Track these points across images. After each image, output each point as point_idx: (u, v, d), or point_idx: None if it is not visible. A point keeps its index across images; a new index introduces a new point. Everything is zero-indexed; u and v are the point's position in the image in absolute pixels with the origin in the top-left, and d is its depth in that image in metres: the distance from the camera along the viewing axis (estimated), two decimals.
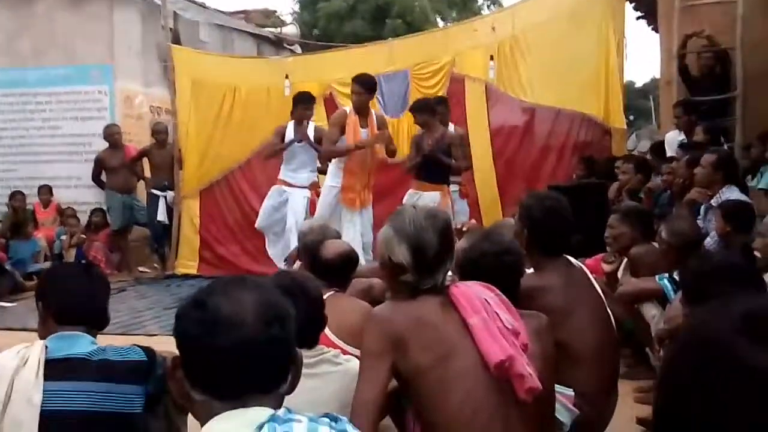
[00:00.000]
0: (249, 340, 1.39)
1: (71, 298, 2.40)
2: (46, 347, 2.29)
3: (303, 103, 7.89)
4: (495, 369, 2.25)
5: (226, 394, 1.41)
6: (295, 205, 7.80)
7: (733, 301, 0.79)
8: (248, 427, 1.35)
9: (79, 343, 2.31)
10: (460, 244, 2.97)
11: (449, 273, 2.73)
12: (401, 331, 2.29)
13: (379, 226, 7.26)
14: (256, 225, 8.20)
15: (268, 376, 1.44)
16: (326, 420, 1.41)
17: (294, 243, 7.52)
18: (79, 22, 10.58)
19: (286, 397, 1.51)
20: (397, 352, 2.28)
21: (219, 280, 1.52)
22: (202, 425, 1.42)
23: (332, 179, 7.37)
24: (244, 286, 1.48)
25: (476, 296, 2.38)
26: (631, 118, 28.99)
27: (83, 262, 3.75)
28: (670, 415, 0.79)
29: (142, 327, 6.65)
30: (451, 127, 7.89)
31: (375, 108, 8.94)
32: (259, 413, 1.38)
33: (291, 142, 7.84)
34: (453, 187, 7.78)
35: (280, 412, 1.39)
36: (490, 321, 2.32)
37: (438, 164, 7.31)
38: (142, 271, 9.96)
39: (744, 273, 2.57)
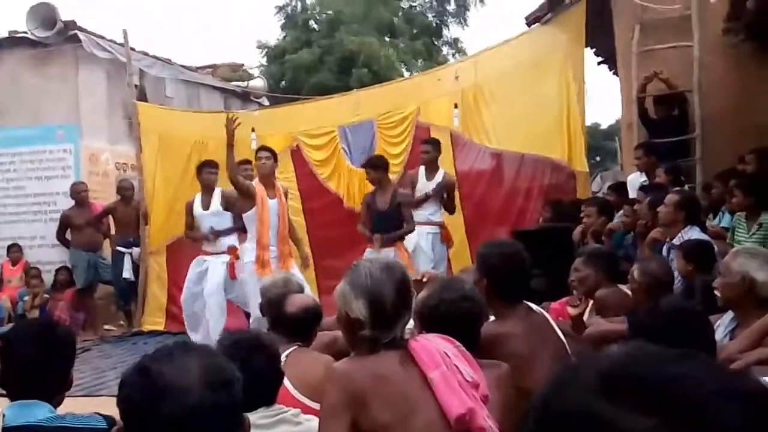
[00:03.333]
0: (194, 406, 1.36)
1: (20, 370, 2.36)
2: (4, 415, 2.27)
3: (206, 167, 8.06)
4: (456, 423, 2.25)
5: None
6: (213, 274, 7.86)
7: (583, 364, 0.73)
8: None
9: (38, 411, 2.28)
10: (421, 294, 2.96)
11: (410, 324, 2.72)
12: (361, 387, 2.28)
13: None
14: (181, 299, 8.20)
15: None
16: None
17: (213, 307, 7.71)
18: (44, 83, 10.58)
19: None
20: (356, 408, 2.26)
21: (163, 347, 1.51)
22: None
23: (248, 256, 7.38)
24: (189, 351, 1.47)
25: (436, 349, 2.38)
26: (597, 159, 29.44)
27: (45, 322, 3.66)
28: None
29: (106, 387, 6.47)
30: (441, 171, 8.00)
31: (341, 159, 9.07)
32: None
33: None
34: (434, 229, 7.84)
35: None
36: (449, 374, 2.32)
37: (390, 221, 7.50)
38: (108, 329, 9.83)
39: (688, 318, 2.58)
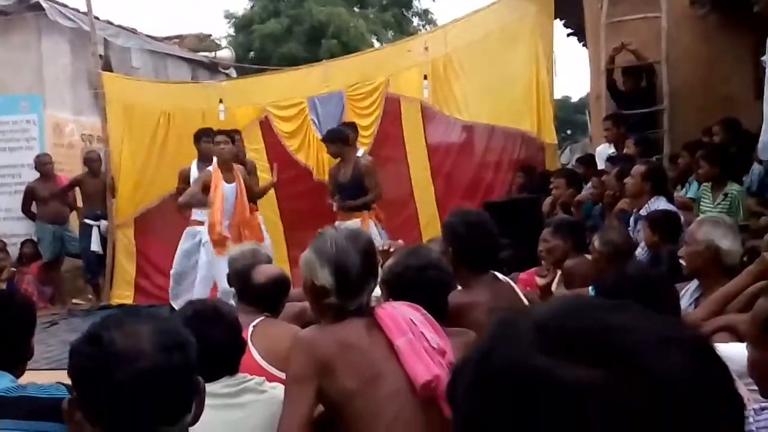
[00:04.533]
0: (149, 370, 1.36)
1: None
2: None
3: (206, 136, 7.84)
4: (422, 390, 2.26)
5: (131, 429, 1.38)
6: (209, 245, 7.55)
7: (520, 317, 0.72)
8: None
9: None
10: (387, 262, 2.96)
11: (377, 293, 2.72)
12: (327, 354, 2.28)
13: None
14: (171, 271, 7.98)
15: (171, 407, 1.40)
16: None
17: (200, 279, 7.53)
18: (6, 52, 10.37)
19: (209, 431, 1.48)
20: (323, 376, 2.27)
21: (112, 314, 1.51)
22: None
23: (207, 236, 7.36)
24: (140, 317, 1.47)
25: (402, 317, 2.39)
26: (569, 132, 29.58)
27: (3, 294, 3.61)
28: None
29: None
30: (360, 151, 7.99)
31: (310, 131, 9.02)
32: None
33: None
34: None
35: None
36: (416, 341, 2.33)
37: (353, 191, 7.49)
38: (75, 303, 9.73)
39: (655, 283, 2.60)
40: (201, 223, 7.68)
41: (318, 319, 2.58)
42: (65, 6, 10.46)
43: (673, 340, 0.66)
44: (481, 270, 3.22)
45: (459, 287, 3.17)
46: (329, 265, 2.36)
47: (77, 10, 10.29)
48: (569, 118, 30.01)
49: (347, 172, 7.60)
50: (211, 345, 2.32)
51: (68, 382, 2.34)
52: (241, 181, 7.34)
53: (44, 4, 10.08)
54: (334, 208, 7.69)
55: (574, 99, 33.75)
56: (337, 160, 7.86)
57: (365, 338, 2.33)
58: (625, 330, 0.66)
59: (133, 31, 11.83)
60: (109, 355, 1.37)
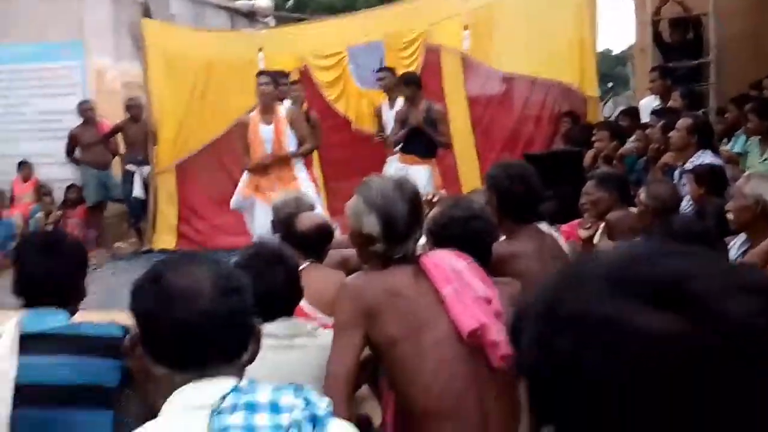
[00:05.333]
0: (207, 310, 1.41)
1: (30, 278, 2.35)
2: (21, 322, 2.26)
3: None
4: (468, 338, 2.26)
5: (189, 366, 1.43)
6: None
7: (587, 265, 0.70)
8: (212, 397, 1.36)
9: (54, 319, 2.29)
10: (431, 212, 2.96)
11: (422, 241, 2.73)
12: (373, 301, 2.30)
13: None
14: (231, 205, 7.96)
15: (228, 346, 1.46)
16: (290, 389, 1.41)
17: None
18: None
19: (264, 372, 1.54)
20: (369, 322, 2.29)
21: (171, 258, 1.56)
22: (161, 404, 1.42)
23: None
24: (197, 260, 1.52)
25: (448, 265, 2.39)
26: (610, 85, 29.06)
27: (53, 233, 3.67)
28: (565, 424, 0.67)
29: (119, 303, 6.50)
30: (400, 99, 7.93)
31: (349, 81, 8.96)
32: (222, 384, 1.40)
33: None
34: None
35: (243, 383, 1.41)
36: (462, 290, 2.33)
37: (426, 137, 7.40)
38: (119, 247, 9.89)
39: (703, 237, 2.58)
40: None
41: (363, 266, 2.60)
42: None
43: (746, 285, 0.65)
44: (524, 221, 3.22)
45: (503, 237, 3.17)
46: (376, 213, 2.36)
47: None
48: (610, 71, 29.47)
49: (419, 116, 7.54)
50: (269, 287, 2.36)
51: (118, 322, 2.41)
52: (280, 121, 7.23)
53: None
54: (394, 150, 7.69)
55: (615, 52, 33.08)
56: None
57: (412, 286, 2.33)
58: (697, 276, 0.65)
59: None
60: (169, 294, 1.42)
